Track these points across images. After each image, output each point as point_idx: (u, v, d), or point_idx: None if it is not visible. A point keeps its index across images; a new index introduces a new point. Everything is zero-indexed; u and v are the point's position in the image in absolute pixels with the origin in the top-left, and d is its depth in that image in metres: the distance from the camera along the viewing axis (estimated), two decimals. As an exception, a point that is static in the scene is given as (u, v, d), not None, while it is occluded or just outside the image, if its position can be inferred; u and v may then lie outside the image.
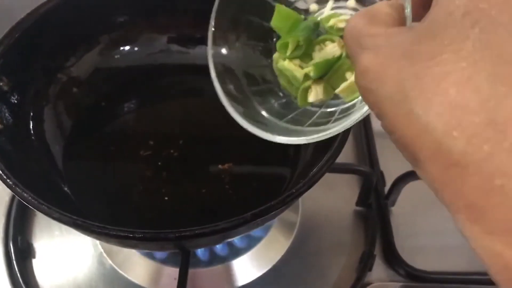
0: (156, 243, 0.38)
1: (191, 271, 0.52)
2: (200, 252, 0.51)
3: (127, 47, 0.56)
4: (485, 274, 0.51)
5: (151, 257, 0.53)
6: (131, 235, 0.35)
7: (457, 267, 0.54)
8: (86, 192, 0.49)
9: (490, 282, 0.51)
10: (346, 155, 0.66)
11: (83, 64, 0.53)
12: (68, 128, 0.52)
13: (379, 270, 0.55)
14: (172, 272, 0.52)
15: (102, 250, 0.55)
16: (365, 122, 0.68)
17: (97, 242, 0.55)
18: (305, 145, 0.52)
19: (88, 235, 0.39)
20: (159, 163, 0.52)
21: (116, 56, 0.55)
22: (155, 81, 0.58)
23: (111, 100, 0.55)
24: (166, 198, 0.49)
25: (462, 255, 0.56)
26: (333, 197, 0.61)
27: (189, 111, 0.56)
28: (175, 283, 0.45)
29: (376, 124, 0.68)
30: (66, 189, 0.47)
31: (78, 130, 0.53)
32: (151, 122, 0.55)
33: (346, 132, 0.43)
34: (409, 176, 0.55)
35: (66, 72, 0.52)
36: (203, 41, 0.58)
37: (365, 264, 0.53)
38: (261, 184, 0.52)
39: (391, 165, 0.63)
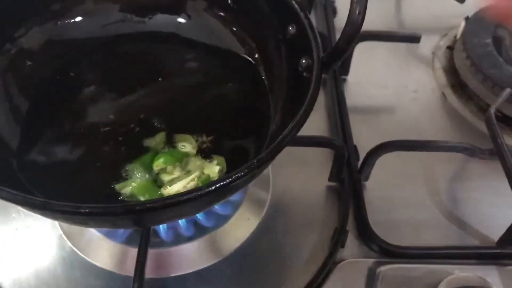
0: (106, 217, 0.35)
1: (155, 251, 0.50)
2: (163, 231, 0.49)
3: (80, 18, 0.52)
4: (459, 248, 0.50)
5: (113, 238, 0.50)
6: (77, 210, 0.33)
7: (430, 242, 0.53)
8: (40, 172, 0.46)
9: (465, 256, 0.49)
10: (318, 129, 0.64)
11: (34, 35, 0.50)
12: (20, 104, 0.49)
13: (352, 247, 0.53)
14: (135, 254, 0.49)
15: (61, 232, 0.52)
16: (338, 96, 0.66)
17: (56, 223, 0.52)
18: (274, 115, 0.50)
19: (33, 211, 0.36)
20: (119, 138, 0.49)
21: (70, 27, 0.52)
22: (113, 53, 0.55)
23: (67, 74, 0.52)
24: (124, 174, 0.46)
25: (437, 230, 0.55)
26: (305, 173, 0.59)
27: (149, 82, 0.53)
28: (138, 264, 0.42)
29: (350, 100, 0.66)
30: (15, 165, 0.44)
31: (32, 105, 0.49)
32: (110, 96, 0.52)
33: (310, 103, 0.41)
34: (382, 148, 0.54)
35: (15, 43, 0.48)
36: (159, 9, 0.56)
37: (337, 241, 0.52)
38: (231, 156, 0.50)
39: (365, 140, 0.61)
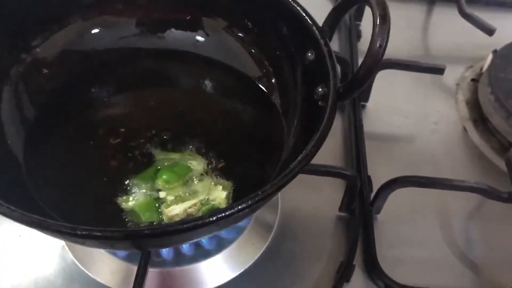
0: (103, 241, 0.34)
1: (156, 270, 0.49)
2: (165, 253, 0.48)
3: (97, 29, 0.52)
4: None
5: (115, 254, 0.49)
6: (73, 232, 0.32)
7: (440, 283, 0.51)
8: (47, 183, 0.46)
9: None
10: (333, 155, 0.62)
11: (50, 44, 0.50)
12: (31, 113, 0.49)
13: (357, 281, 0.51)
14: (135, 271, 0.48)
15: (64, 243, 0.51)
16: (356, 123, 0.64)
17: (60, 234, 0.52)
18: (286, 140, 0.49)
19: (30, 227, 0.35)
20: (129, 154, 0.49)
21: (86, 39, 0.52)
22: (127, 66, 0.54)
23: (80, 85, 0.52)
24: (127, 188, 0.46)
25: (447, 271, 0.53)
26: (315, 200, 0.57)
27: (163, 98, 0.53)
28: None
29: (368, 127, 0.64)
30: (24, 178, 0.44)
31: (42, 115, 0.49)
32: (122, 109, 0.52)
33: (322, 135, 0.40)
34: (396, 183, 0.52)
35: (31, 52, 0.48)
36: (176, 25, 0.56)
37: (342, 274, 0.50)
38: (239, 181, 0.49)
39: (380, 170, 0.60)
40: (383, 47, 0.40)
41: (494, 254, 0.54)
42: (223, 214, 0.34)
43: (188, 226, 0.33)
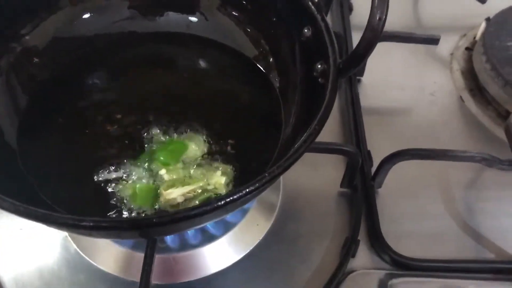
0: (110, 231, 0.34)
1: (162, 257, 0.49)
2: (170, 239, 0.47)
3: (88, 15, 0.51)
4: (475, 262, 0.48)
5: (118, 242, 0.49)
6: (80, 224, 0.31)
7: (445, 254, 0.51)
8: (43, 172, 0.45)
9: (479, 270, 0.48)
10: (332, 134, 0.62)
11: (40, 32, 0.48)
12: (23, 102, 0.47)
13: (363, 256, 0.51)
14: (141, 259, 0.48)
15: (67, 234, 0.51)
16: (353, 98, 0.64)
17: (61, 225, 0.51)
18: (286, 121, 0.48)
19: (35, 221, 0.35)
20: (126, 141, 0.48)
21: (77, 25, 0.51)
22: (120, 51, 0.53)
23: (73, 73, 0.51)
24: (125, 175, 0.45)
25: (451, 242, 0.53)
26: (316, 177, 0.57)
27: (159, 82, 0.52)
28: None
29: (365, 101, 0.64)
30: (20, 168, 0.43)
31: (35, 105, 0.48)
32: (118, 95, 0.51)
33: (325, 113, 0.39)
34: (397, 156, 0.52)
35: (21, 41, 0.47)
36: (170, 7, 0.54)
37: (348, 250, 0.50)
38: (240, 163, 0.48)
39: (379, 145, 0.59)
40: (383, 20, 0.39)
41: (496, 222, 0.54)
42: (231, 198, 0.33)
43: (197, 212, 0.33)
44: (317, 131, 0.39)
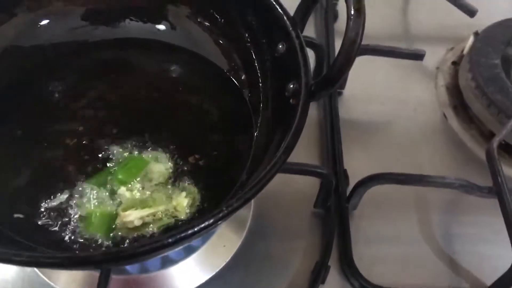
0: (53, 267, 0.31)
1: (122, 278, 0.47)
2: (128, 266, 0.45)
3: (47, 21, 0.48)
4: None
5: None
6: (17, 259, 0.29)
7: (418, 282, 0.49)
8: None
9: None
10: (308, 150, 0.60)
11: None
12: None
13: (333, 282, 0.50)
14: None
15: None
16: (332, 113, 0.61)
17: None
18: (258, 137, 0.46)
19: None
20: (85, 157, 0.45)
21: (36, 31, 0.48)
22: (83, 59, 0.50)
23: (33, 81, 0.48)
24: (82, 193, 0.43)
25: (425, 268, 0.51)
26: (290, 196, 0.55)
27: (124, 92, 0.49)
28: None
29: (345, 114, 0.62)
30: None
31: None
32: (79, 106, 0.48)
33: (294, 136, 0.37)
34: (372, 180, 0.50)
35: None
36: (133, 15, 0.51)
37: (317, 276, 0.48)
38: (206, 183, 0.46)
39: (357, 162, 0.58)
40: (358, 43, 0.37)
41: (473, 249, 0.52)
42: (181, 235, 0.31)
43: (144, 250, 0.31)
44: (284, 159, 0.37)
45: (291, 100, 0.42)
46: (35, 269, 0.47)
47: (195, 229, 0.31)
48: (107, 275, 0.38)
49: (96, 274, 0.46)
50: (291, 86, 0.42)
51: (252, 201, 0.53)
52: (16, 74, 0.47)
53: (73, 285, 0.47)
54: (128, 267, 0.45)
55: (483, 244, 0.53)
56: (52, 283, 0.47)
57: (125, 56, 0.52)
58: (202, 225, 0.32)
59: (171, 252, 0.46)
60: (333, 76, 0.38)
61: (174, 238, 0.31)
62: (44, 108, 0.48)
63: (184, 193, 0.43)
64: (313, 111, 0.63)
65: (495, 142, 0.51)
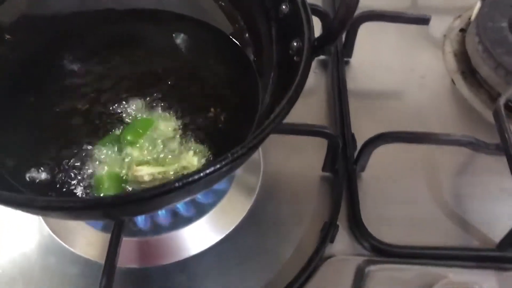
0: (69, 212, 0.32)
1: (134, 240, 0.48)
2: (141, 221, 0.46)
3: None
4: (456, 249, 0.47)
5: (91, 224, 0.48)
6: (31, 203, 0.30)
7: (427, 241, 0.49)
8: (11, 151, 0.44)
9: (462, 258, 0.46)
10: (316, 116, 0.60)
11: (8, 8, 0.46)
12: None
13: (342, 242, 0.50)
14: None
15: (40, 217, 0.50)
16: (339, 80, 0.62)
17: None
18: (263, 98, 0.47)
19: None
20: (96, 121, 0.46)
21: (48, 2, 0.49)
22: (93, 29, 0.52)
23: (46, 51, 0.50)
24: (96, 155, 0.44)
25: (434, 228, 0.51)
26: (298, 160, 0.56)
27: (133, 60, 0.50)
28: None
29: (352, 83, 0.62)
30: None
31: (7, 84, 0.47)
32: (90, 74, 0.49)
33: (296, 91, 0.37)
34: (379, 139, 0.50)
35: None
36: None
37: (326, 235, 0.49)
38: (215, 143, 0.47)
39: (365, 128, 0.57)
40: (358, -6, 0.37)
41: (483, 208, 0.52)
42: (189, 179, 0.32)
43: (153, 193, 0.32)
44: (287, 109, 0.37)
45: (295, 58, 0.42)
46: (51, 232, 0.49)
47: (201, 174, 0.32)
48: (120, 228, 0.39)
49: (109, 236, 0.48)
50: (295, 44, 0.43)
51: (262, 165, 0.54)
52: (32, 44, 0.49)
53: (88, 247, 0.48)
54: (140, 224, 0.46)
55: (492, 203, 0.53)
56: (67, 246, 0.48)
57: (134, 26, 0.53)
58: (208, 171, 0.33)
59: (182, 209, 0.47)
60: (335, 28, 0.39)
61: (181, 182, 0.32)
62: (56, 77, 0.49)
63: (192, 152, 0.44)
64: (322, 79, 0.64)
65: (502, 100, 0.51)
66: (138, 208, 0.36)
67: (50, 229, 0.49)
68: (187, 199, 0.45)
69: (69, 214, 0.35)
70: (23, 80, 0.49)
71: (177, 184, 0.32)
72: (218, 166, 0.33)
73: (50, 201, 0.31)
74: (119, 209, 0.35)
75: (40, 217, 0.50)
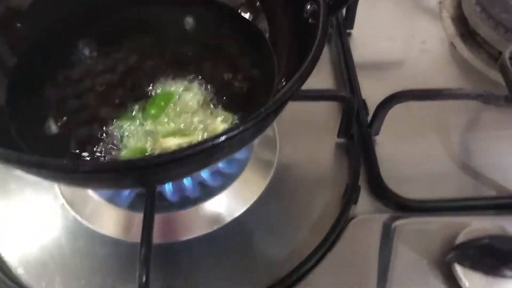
0: (106, 175, 0.33)
1: (161, 215, 0.48)
2: (169, 193, 0.47)
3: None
4: (476, 199, 0.48)
5: (117, 204, 0.48)
6: (75, 167, 0.31)
7: (446, 195, 0.51)
8: (30, 128, 0.44)
9: (482, 207, 0.47)
10: (324, 86, 0.61)
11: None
12: (12, 62, 0.47)
13: (365, 203, 0.51)
14: (140, 219, 0.47)
15: (64, 201, 0.50)
16: (344, 51, 0.63)
17: (58, 192, 0.50)
18: (278, 68, 0.48)
19: (29, 171, 0.34)
20: (116, 101, 0.47)
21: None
22: (107, 10, 0.52)
23: (64, 33, 0.50)
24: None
25: (452, 183, 0.53)
26: (312, 131, 0.57)
27: (148, 42, 0.51)
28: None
29: (356, 54, 0.63)
30: (7, 123, 0.43)
31: (25, 64, 0.47)
32: (107, 57, 0.50)
33: (317, 50, 0.38)
34: (393, 99, 0.51)
35: (2, 2, 0.46)
36: None
37: (349, 197, 0.50)
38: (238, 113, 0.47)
39: (374, 95, 0.58)
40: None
41: (496, 161, 0.54)
42: (225, 136, 0.32)
43: (192, 152, 0.32)
44: (310, 69, 0.38)
45: (310, 20, 0.43)
46: (77, 216, 0.49)
47: (241, 128, 0.33)
48: (153, 198, 0.40)
49: (135, 215, 0.48)
50: (309, 7, 0.44)
51: (278, 139, 0.55)
52: (49, 26, 0.49)
53: (114, 228, 0.48)
54: (168, 195, 0.46)
55: (505, 156, 0.54)
56: (94, 228, 0.48)
57: (146, 6, 0.54)
58: (244, 127, 0.33)
59: (209, 180, 0.48)
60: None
61: (224, 136, 0.32)
62: (73, 59, 0.50)
63: (219, 118, 0.44)
64: (326, 53, 0.65)
65: (506, 54, 0.53)
66: (173, 171, 0.36)
67: (75, 213, 0.49)
68: (219, 162, 0.46)
69: (104, 179, 0.35)
70: (40, 60, 0.49)
71: (215, 141, 0.33)
72: (242, 128, 0.33)
73: (84, 163, 0.31)
74: (155, 172, 0.35)
75: (64, 202, 0.50)
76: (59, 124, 0.45)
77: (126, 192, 0.48)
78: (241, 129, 0.33)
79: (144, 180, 0.37)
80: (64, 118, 0.45)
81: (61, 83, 0.47)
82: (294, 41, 0.46)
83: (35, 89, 0.47)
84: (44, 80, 0.47)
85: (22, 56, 0.48)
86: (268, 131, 0.55)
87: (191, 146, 0.32)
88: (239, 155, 0.50)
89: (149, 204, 0.40)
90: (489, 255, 0.41)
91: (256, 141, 0.52)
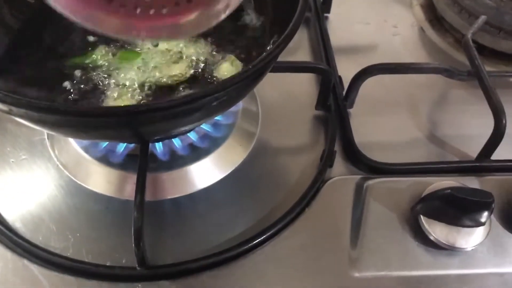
0: (102, 120, 0.35)
1: (152, 175, 0.51)
2: (160, 152, 0.50)
3: None
4: (441, 163, 0.52)
5: (109, 164, 0.51)
6: (73, 110, 0.34)
7: (414, 160, 0.55)
8: (27, 82, 0.47)
9: (446, 170, 0.52)
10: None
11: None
12: (16, 24, 0.50)
13: (340, 167, 0.55)
14: (132, 179, 0.50)
15: (58, 163, 0.53)
16: (322, 33, 0.67)
17: (52, 154, 0.53)
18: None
19: (24, 116, 0.37)
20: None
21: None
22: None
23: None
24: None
25: (419, 149, 0.57)
26: (293, 104, 0.61)
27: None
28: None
29: (332, 37, 0.68)
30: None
31: (27, 27, 0.50)
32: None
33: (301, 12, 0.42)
34: (366, 72, 0.56)
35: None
36: None
37: (325, 161, 0.54)
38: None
39: (348, 73, 0.63)
40: None
41: (458, 131, 0.59)
42: (232, 81, 0.36)
43: (175, 103, 0.35)
44: (296, 25, 0.41)
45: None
46: (71, 176, 0.52)
47: (245, 74, 0.36)
48: (146, 150, 0.43)
49: (128, 175, 0.52)
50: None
51: (260, 110, 0.59)
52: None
53: (108, 186, 0.51)
54: (159, 155, 0.50)
55: (466, 127, 0.59)
56: (89, 187, 0.51)
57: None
58: (251, 71, 0.37)
59: (197, 143, 0.51)
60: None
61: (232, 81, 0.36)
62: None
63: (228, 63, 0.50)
64: (305, 35, 0.69)
65: (469, 34, 0.58)
66: (169, 120, 0.39)
67: (69, 173, 0.52)
68: (221, 112, 0.49)
69: (100, 126, 0.38)
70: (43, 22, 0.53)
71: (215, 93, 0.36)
72: (228, 83, 0.37)
73: (79, 108, 0.34)
74: (151, 119, 0.38)
75: (59, 164, 0.53)
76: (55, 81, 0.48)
77: (118, 153, 0.51)
78: (244, 74, 0.36)
79: (138, 132, 0.40)
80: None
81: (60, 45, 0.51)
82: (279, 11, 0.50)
83: (35, 49, 0.50)
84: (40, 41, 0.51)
85: (25, 21, 0.51)
86: (252, 106, 0.59)
87: (189, 95, 0.36)
88: (225, 120, 0.54)
89: (142, 158, 0.43)
90: (451, 207, 0.46)
91: (240, 113, 0.56)
